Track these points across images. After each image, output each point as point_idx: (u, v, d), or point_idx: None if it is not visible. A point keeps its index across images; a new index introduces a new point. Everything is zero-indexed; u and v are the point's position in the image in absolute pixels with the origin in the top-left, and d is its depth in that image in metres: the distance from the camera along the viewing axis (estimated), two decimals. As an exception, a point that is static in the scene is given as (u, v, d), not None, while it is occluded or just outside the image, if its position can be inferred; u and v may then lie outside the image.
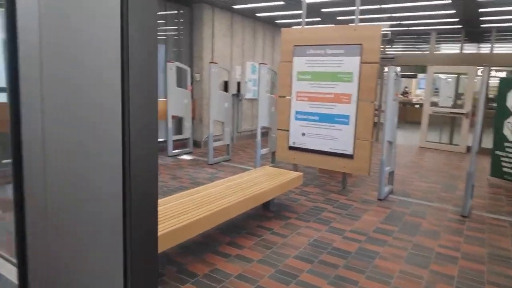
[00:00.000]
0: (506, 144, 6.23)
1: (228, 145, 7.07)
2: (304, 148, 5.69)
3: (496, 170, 6.43)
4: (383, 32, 5.83)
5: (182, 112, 7.31)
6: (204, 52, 8.06)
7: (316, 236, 3.69)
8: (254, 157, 6.14)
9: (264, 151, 6.36)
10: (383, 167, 5.09)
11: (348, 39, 5.16)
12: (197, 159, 7.03)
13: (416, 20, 8.57)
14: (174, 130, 7.70)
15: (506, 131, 6.23)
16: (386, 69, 6.61)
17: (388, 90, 4.94)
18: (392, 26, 9.35)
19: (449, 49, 10.67)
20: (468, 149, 9.38)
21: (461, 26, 9.03)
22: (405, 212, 4.63)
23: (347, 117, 5.29)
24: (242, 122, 9.55)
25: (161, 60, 7.76)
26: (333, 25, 5.22)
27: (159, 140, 7.54)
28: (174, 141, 7.34)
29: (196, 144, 8.19)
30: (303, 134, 5.68)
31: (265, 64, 6.04)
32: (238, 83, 8.80)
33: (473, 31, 9.36)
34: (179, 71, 7.83)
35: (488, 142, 8.83)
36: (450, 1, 7.36)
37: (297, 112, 5.69)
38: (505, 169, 6.27)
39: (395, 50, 13.37)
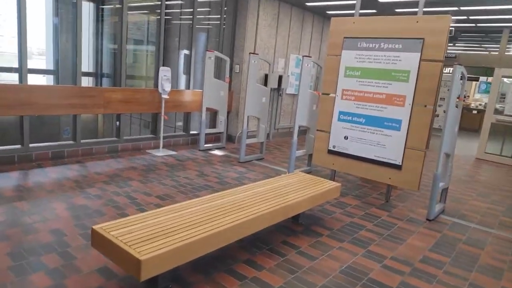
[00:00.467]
0: None
1: (262, 142, 6.59)
2: (346, 153, 5.08)
3: None
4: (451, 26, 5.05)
5: (217, 104, 6.92)
6: (247, 42, 7.60)
7: (350, 262, 3.13)
8: (289, 158, 5.61)
9: (300, 153, 5.81)
10: (436, 183, 4.38)
11: (407, 31, 4.46)
12: (229, 156, 6.63)
13: (487, 15, 7.54)
14: (208, 123, 7.35)
15: None
16: (448, 69, 5.78)
17: (451, 94, 4.20)
18: (457, 21, 8.34)
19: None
20: (537, 166, 8.24)
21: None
22: (460, 238, 3.92)
23: (398, 122, 4.62)
24: (281, 118, 9.03)
25: (201, 49, 7.41)
26: (391, 16, 4.52)
27: (192, 132, 7.22)
28: (207, 134, 6.99)
29: (231, 138, 7.80)
30: (346, 138, 5.07)
31: (310, 57, 5.47)
32: (280, 77, 8.27)
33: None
34: (219, 61, 7.44)
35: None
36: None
37: (341, 113, 5.09)
38: None
39: (457, 49, 12.14)
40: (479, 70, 15.82)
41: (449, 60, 9.04)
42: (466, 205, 5.15)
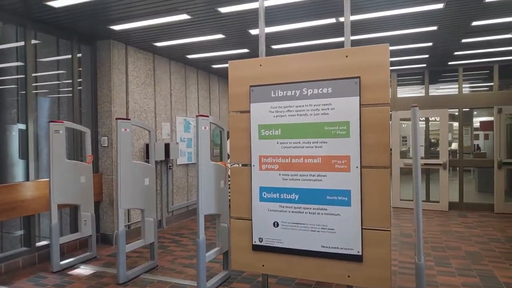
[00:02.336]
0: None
1: (152, 244, 4.57)
2: (279, 248, 3.47)
3: (529, 243, 4.74)
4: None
5: (76, 197, 4.74)
6: (115, 106, 5.73)
7: None
8: (195, 254, 3.73)
9: (211, 254, 3.99)
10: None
11: (337, 70, 3.26)
12: (102, 274, 4.40)
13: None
14: (67, 226, 5.05)
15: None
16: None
17: (416, 138, 3.04)
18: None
19: (411, 92, 9.67)
20: (450, 205, 7.89)
21: (425, 65, 7.90)
22: None
23: (346, 193, 3.24)
24: (174, 197, 7.11)
25: (44, 120, 5.24)
26: (311, 52, 3.23)
27: (40, 245, 4.80)
28: (65, 244, 4.67)
29: (106, 240, 5.54)
30: (276, 225, 3.49)
31: (206, 116, 3.91)
32: (167, 145, 6.50)
33: (437, 70, 8.30)
34: (77, 135, 5.36)
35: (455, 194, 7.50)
36: (431, 45, 6.06)
37: (262, 189, 3.53)
38: (543, 242, 4.60)
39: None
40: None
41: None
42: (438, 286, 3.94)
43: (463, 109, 7.89)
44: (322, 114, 3.30)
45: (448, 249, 5.17)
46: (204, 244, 3.77)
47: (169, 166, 6.79)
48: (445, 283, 3.95)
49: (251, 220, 3.57)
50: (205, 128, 3.88)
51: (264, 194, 3.52)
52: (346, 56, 3.23)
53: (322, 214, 3.32)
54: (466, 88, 8.32)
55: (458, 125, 8.14)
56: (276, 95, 3.46)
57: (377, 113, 3.15)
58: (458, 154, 8.15)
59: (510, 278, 4.04)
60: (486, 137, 14.04)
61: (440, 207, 7.89)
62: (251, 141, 3.56)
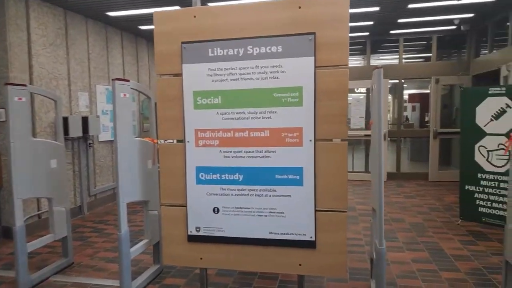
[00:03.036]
0: (480, 175, 4.61)
1: (65, 238, 3.78)
2: (220, 237, 2.94)
3: (469, 211, 4.76)
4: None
5: (-38, 183, 3.74)
6: (13, 70, 4.64)
7: None
8: (119, 264, 3.09)
9: (139, 248, 3.35)
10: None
11: (288, 24, 2.70)
12: None
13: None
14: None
15: (479, 158, 4.61)
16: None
17: (377, 107, 2.63)
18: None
19: (352, 61, 9.52)
20: (388, 175, 7.97)
21: (367, 33, 7.67)
22: None
23: (298, 171, 2.78)
24: (97, 178, 6.22)
25: None
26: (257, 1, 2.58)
27: None
28: None
29: (8, 234, 4.60)
30: (216, 210, 2.94)
31: (126, 81, 3.15)
32: (85, 119, 5.55)
33: (379, 40, 8.14)
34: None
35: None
36: (378, 9, 5.72)
37: (200, 169, 2.94)
38: (482, 209, 4.63)
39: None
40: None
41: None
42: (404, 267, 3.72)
43: (402, 79, 7.87)
44: (271, 78, 2.75)
45: (393, 221, 5.07)
46: (128, 238, 3.11)
47: (89, 144, 5.86)
48: (396, 260, 3.75)
49: (185, 206, 2.98)
50: (125, 95, 3.13)
51: (202, 176, 2.93)
52: (299, 8, 2.68)
53: (270, 196, 2.83)
54: (406, 60, 8.32)
55: (394, 99, 8.14)
56: (215, 54, 2.82)
57: (335, 77, 2.67)
58: (396, 125, 8.19)
59: (455, 250, 3.97)
60: (413, 109, 14.71)
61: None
62: (184, 112, 2.91)
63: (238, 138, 2.84)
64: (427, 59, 7.96)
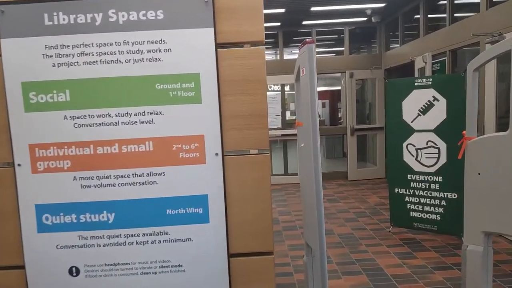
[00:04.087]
0: (410, 176, 4.18)
1: None
2: (84, 314, 1.88)
3: (400, 216, 4.33)
4: None
5: None
6: None
7: None
8: None
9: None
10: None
11: (171, -24, 1.75)
12: None
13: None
14: None
15: (407, 158, 4.18)
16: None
17: (313, 85, 1.82)
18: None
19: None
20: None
21: (279, 24, 7.06)
22: None
23: (201, 201, 1.86)
24: None
25: None
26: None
27: None
28: None
29: None
30: (74, 272, 1.87)
31: None
32: None
33: (291, 32, 7.59)
34: None
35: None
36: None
37: (42, 209, 1.83)
38: (413, 214, 4.22)
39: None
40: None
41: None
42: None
43: (317, 74, 7.42)
44: (150, 60, 1.78)
45: (320, 234, 4.44)
46: None
47: None
48: (332, 290, 3.06)
49: (23, 268, 1.85)
50: None
51: (47, 219, 1.83)
52: (188, -48, 1.74)
53: (160, 242, 1.86)
54: (320, 54, 7.95)
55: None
56: (56, 22, 1.74)
57: (246, 60, 1.81)
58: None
59: (395, 268, 3.44)
60: (324, 105, 14.85)
61: (298, 180, 7.40)
62: (8, 117, 1.78)
63: (103, 156, 1.80)
64: (341, 53, 7.66)
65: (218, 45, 1.77)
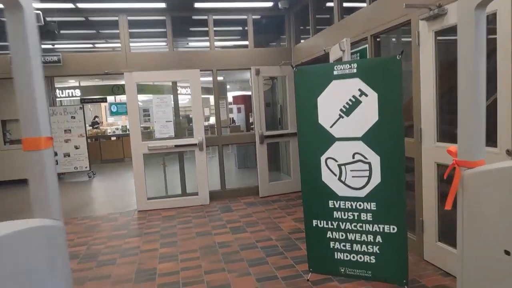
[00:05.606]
0: (333, 204, 2.98)
1: None
2: None
3: (321, 259, 3.11)
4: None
5: None
6: None
7: None
8: None
9: None
10: None
11: None
12: None
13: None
14: None
15: (328, 177, 2.97)
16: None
17: None
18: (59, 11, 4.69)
19: (153, 48, 7.23)
20: (212, 195, 6.09)
21: (164, 5, 5.54)
22: None
23: None
24: None
25: None
26: None
27: None
28: None
29: None
30: None
31: None
32: None
33: (182, 18, 6.10)
34: None
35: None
36: None
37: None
38: (339, 255, 3.02)
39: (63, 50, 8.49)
40: (104, 89, 13.26)
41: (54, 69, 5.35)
42: None
43: (217, 70, 6.07)
44: None
45: (213, 293, 3.03)
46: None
47: None
48: None
49: None
50: None
51: None
52: None
53: None
54: (222, 48, 6.63)
55: (214, 97, 6.31)
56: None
57: None
58: (216, 130, 6.36)
59: None
60: (239, 110, 13.67)
61: (199, 200, 5.94)
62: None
63: None
64: (245, 47, 6.44)
65: None
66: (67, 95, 12.84)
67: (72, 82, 13.31)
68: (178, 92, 6.78)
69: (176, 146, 5.82)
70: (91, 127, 13.74)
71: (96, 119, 15.41)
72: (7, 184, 8.67)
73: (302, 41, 6.28)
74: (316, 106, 2.91)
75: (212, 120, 15.91)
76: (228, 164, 9.74)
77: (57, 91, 12.41)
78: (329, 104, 2.86)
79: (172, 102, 6.06)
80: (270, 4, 5.85)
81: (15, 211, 6.24)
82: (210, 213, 5.42)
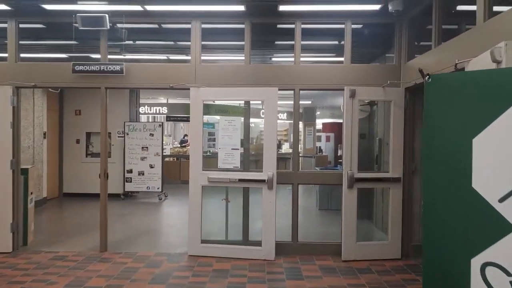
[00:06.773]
0: None
1: None
2: None
3: None
4: None
5: None
6: None
7: None
8: None
9: None
10: None
11: None
12: None
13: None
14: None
15: None
16: None
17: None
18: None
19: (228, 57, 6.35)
20: (278, 249, 4.76)
21: (243, 9, 4.55)
22: None
23: None
24: None
25: None
26: None
27: None
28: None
29: None
30: None
31: None
32: None
33: (263, 24, 5.06)
34: None
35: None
36: None
37: None
38: None
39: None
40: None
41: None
42: None
43: (300, 90, 4.82)
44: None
45: None
46: None
47: None
48: None
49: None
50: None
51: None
52: None
53: None
54: (307, 63, 5.39)
55: (293, 121, 5.07)
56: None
57: None
58: (292, 162, 5.06)
59: None
60: (328, 139, 12.22)
61: (262, 253, 4.64)
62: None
63: None
64: (339, 62, 5.12)
65: None
66: (154, 112, 12.86)
67: (161, 99, 13.38)
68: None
69: (240, 180, 4.67)
70: (179, 146, 13.62)
71: (186, 137, 15.26)
72: (84, 197, 8.49)
73: (416, 55, 4.73)
74: (470, 153, 1.45)
75: (285, 148, 14.43)
76: (307, 202, 8.31)
77: (146, 107, 12.51)
78: (501, 153, 1.38)
79: (243, 126, 4.98)
80: (376, 7, 4.47)
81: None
82: (271, 277, 4.07)
